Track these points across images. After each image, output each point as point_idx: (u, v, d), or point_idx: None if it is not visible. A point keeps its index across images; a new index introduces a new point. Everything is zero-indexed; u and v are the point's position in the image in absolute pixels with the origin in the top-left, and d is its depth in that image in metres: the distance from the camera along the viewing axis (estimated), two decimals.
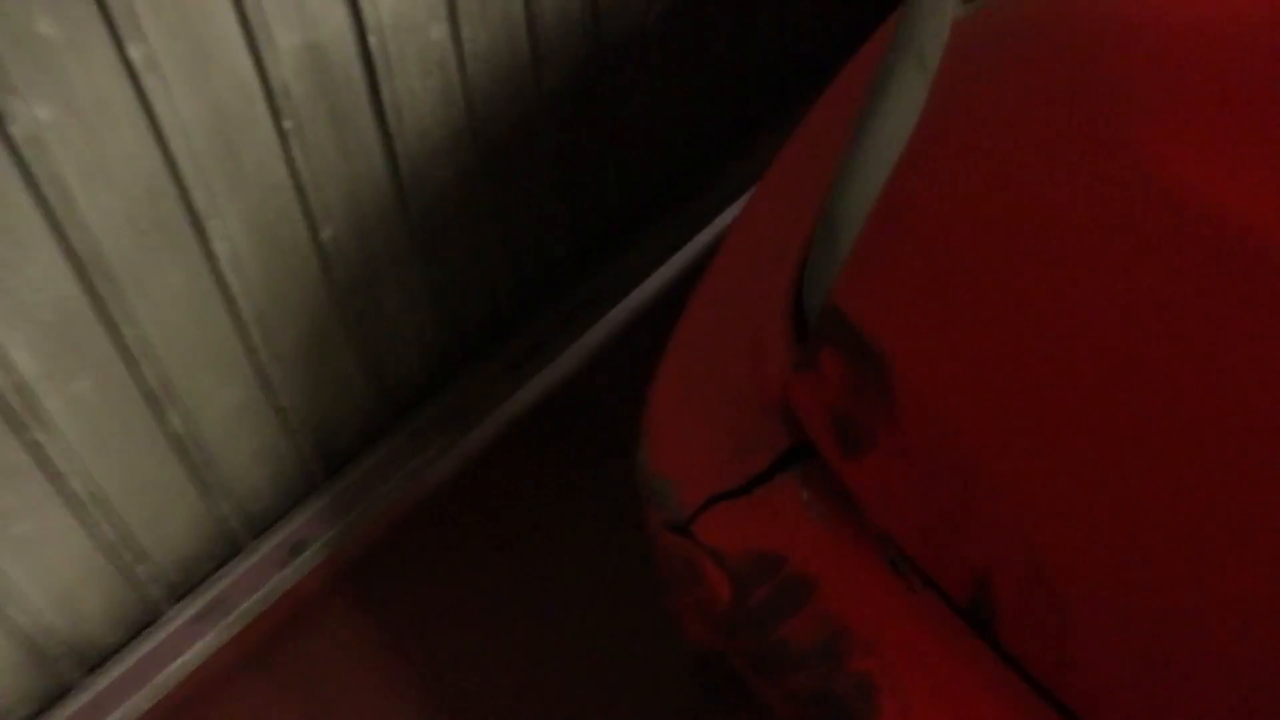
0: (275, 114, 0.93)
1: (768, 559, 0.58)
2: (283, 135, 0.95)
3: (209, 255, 0.95)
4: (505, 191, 1.23)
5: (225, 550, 1.16)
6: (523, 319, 1.39)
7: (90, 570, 1.04)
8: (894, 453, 0.51)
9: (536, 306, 1.40)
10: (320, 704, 1.18)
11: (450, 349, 1.29)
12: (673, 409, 0.67)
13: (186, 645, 1.12)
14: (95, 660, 1.10)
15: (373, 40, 0.97)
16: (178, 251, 0.94)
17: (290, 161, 0.97)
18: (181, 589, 1.15)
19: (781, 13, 1.54)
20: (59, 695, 1.09)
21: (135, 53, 0.82)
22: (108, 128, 0.83)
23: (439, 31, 1.04)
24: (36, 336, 0.87)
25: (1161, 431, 0.42)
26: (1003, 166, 0.46)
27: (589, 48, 1.23)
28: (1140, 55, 0.43)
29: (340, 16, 0.93)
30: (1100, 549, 0.45)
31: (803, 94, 1.69)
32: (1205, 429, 0.41)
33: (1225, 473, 0.41)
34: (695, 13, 1.37)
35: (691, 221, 1.54)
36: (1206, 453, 0.41)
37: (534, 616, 1.23)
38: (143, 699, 1.10)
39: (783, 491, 0.60)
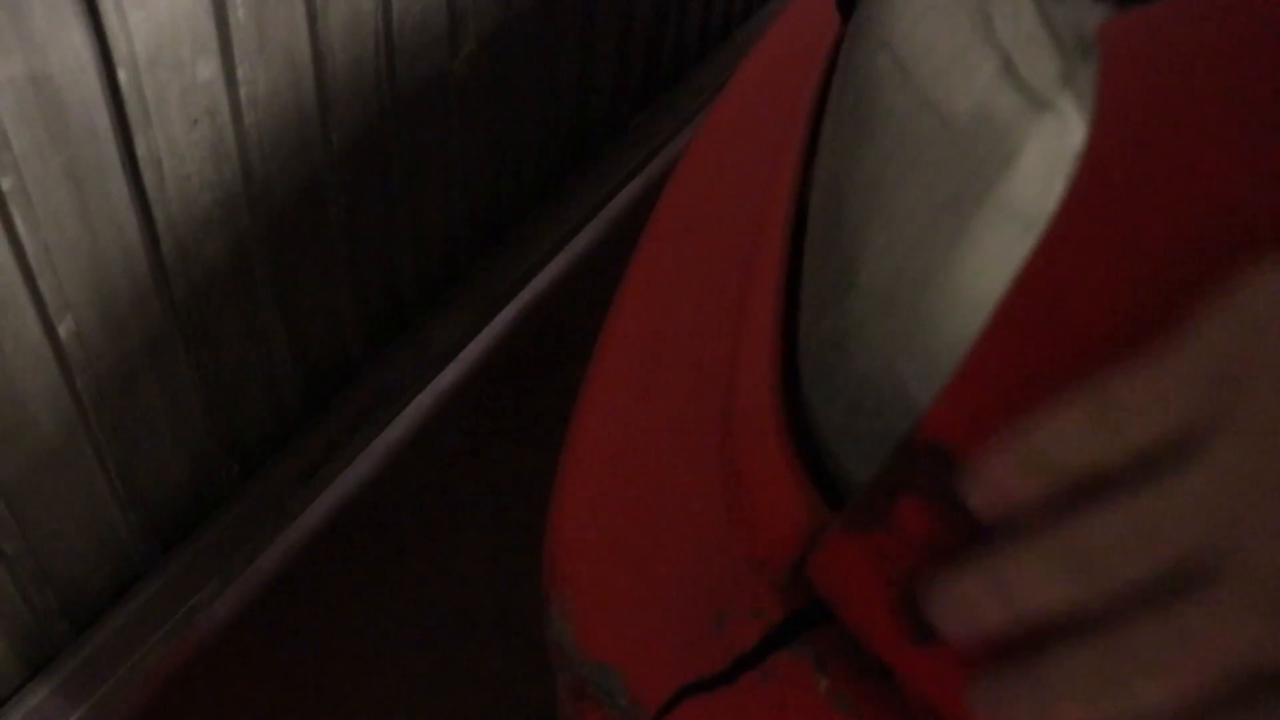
0: None
1: None
2: None
3: None
4: (287, 267, 1.02)
5: None
6: (310, 420, 1.17)
7: None
8: None
9: (326, 403, 1.18)
10: None
11: (226, 460, 1.05)
12: (598, 562, 0.48)
13: None
14: None
15: (123, 76, 0.75)
16: None
17: (11, 233, 0.73)
18: None
19: (583, 59, 1.39)
20: None
21: None
22: None
23: (208, 70, 0.83)
24: None
25: None
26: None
27: (383, 95, 1.04)
28: None
29: (78, 43, 0.71)
30: None
31: (601, 152, 1.54)
32: None
33: None
34: (501, 62, 1.20)
35: (491, 299, 1.36)
36: None
37: None
38: None
39: (788, 677, 0.42)
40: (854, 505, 0.35)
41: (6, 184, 0.71)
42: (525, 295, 1.42)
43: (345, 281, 1.11)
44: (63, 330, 0.80)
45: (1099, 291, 0.31)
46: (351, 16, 0.95)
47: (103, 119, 0.76)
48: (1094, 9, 0.34)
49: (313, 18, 0.91)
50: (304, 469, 1.12)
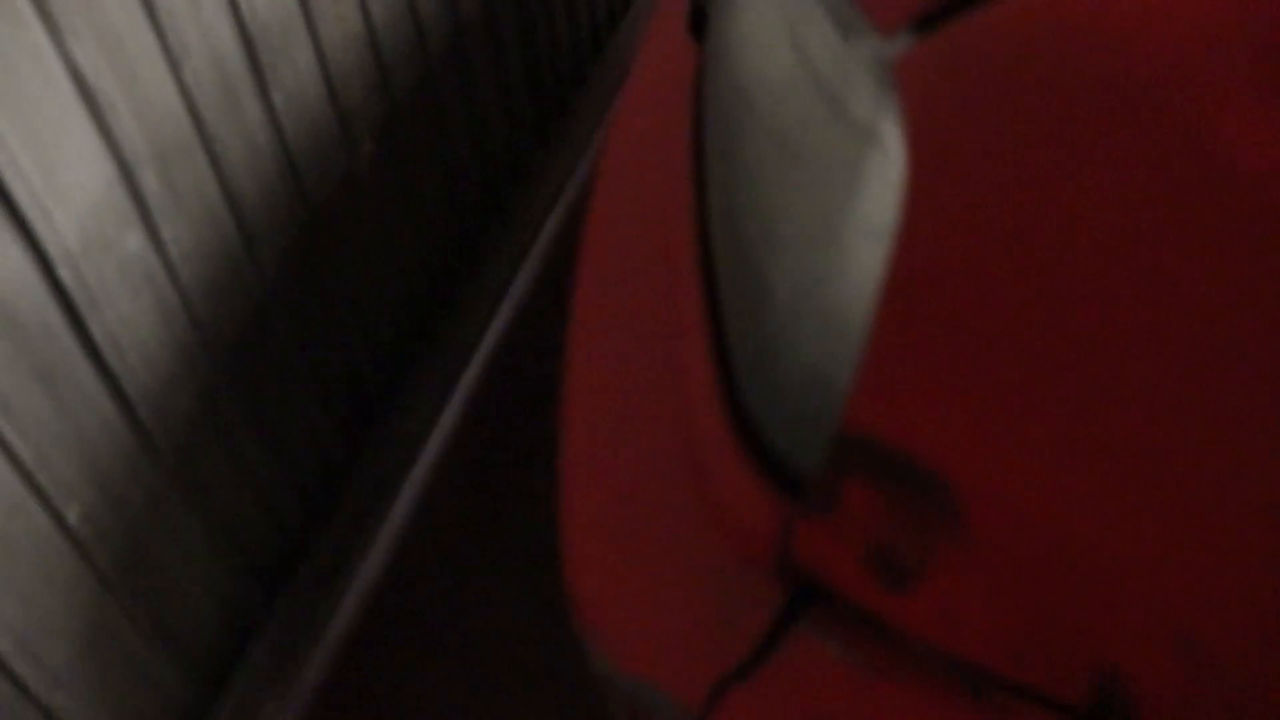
0: None
1: None
2: None
3: None
4: (254, 396, 1.07)
5: None
6: (314, 534, 1.21)
7: None
8: (961, 573, 0.40)
9: (324, 515, 1.23)
10: None
11: (249, 590, 1.10)
12: (618, 596, 0.54)
13: None
14: None
15: (64, 274, 0.80)
16: None
17: (3, 445, 0.78)
18: None
19: (473, 124, 1.44)
20: None
21: None
22: None
23: (136, 241, 0.88)
24: None
25: None
26: (1052, 196, 0.36)
27: (298, 213, 1.09)
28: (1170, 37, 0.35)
29: (15, 255, 0.76)
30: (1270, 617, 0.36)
31: (510, 200, 1.60)
32: None
33: None
34: (397, 150, 1.25)
35: (446, 373, 1.42)
36: None
37: None
38: None
39: (802, 650, 0.48)
40: (808, 499, 0.41)
41: None
42: (478, 358, 1.48)
43: (311, 391, 1.16)
44: (72, 519, 0.85)
45: (951, 277, 0.37)
46: (250, 152, 1.01)
47: (55, 316, 0.81)
48: (889, 44, 0.40)
49: (215, 161, 0.96)
50: (321, 576, 1.17)
